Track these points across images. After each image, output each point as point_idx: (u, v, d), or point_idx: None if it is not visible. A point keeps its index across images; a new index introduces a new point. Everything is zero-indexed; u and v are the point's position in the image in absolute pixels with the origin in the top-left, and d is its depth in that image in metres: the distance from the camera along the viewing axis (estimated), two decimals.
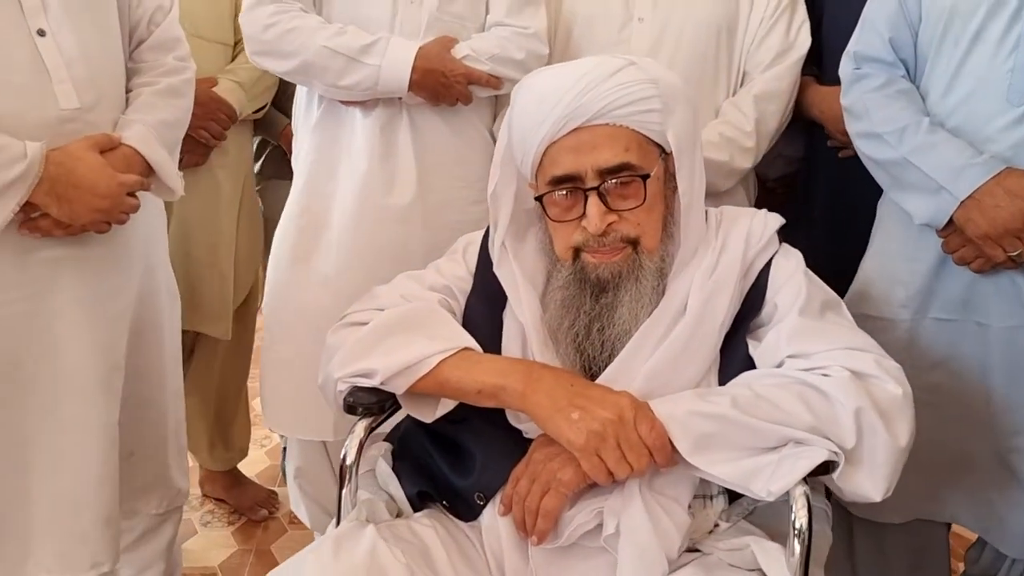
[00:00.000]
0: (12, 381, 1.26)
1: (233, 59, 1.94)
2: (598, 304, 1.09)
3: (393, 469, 1.17)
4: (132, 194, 1.29)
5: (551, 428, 1.00)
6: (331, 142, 1.61)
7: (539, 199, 1.09)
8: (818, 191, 1.75)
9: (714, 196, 1.62)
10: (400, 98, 1.53)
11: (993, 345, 1.31)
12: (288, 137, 1.91)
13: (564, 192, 1.07)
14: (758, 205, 1.85)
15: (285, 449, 2.37)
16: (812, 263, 1.42)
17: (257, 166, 2.26)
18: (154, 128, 1.33)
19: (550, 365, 1.07)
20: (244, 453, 2.28)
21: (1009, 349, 1.29)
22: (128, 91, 1.37)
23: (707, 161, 1.54)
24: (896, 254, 1.40)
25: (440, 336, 1.09)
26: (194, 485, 2.31)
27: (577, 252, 1.09)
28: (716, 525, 1.05)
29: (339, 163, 1.60)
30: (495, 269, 1.16)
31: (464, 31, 1.58)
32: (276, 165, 2.18)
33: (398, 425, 1.24)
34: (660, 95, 1.06)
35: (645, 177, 1.05)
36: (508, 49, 1.56)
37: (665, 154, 1.09)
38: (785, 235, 1.58)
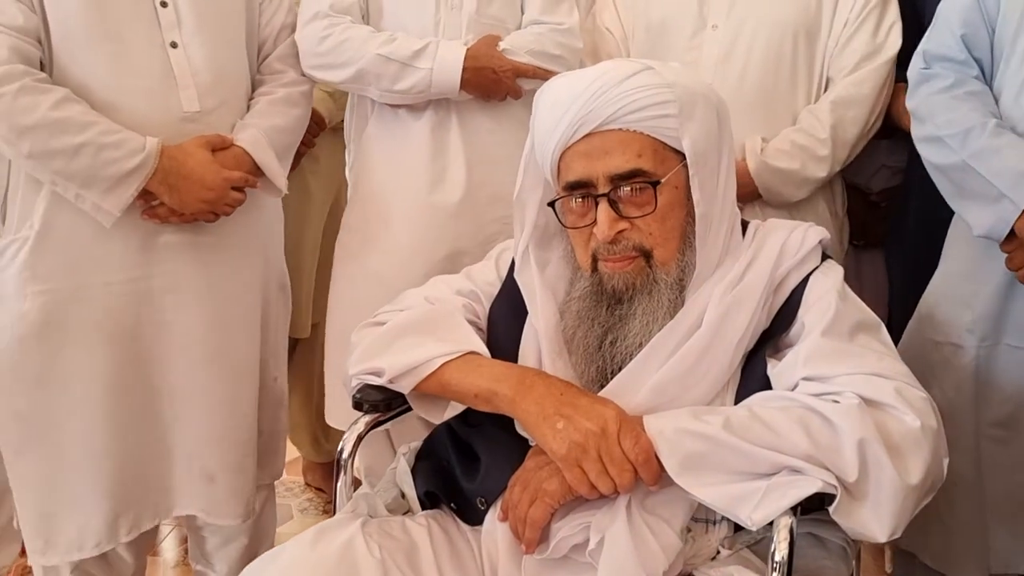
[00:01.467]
0: (136, 346, 1.46)
1: None
2: (613, 315, 1.06)
3: (413, 468, 1.19)
4: (239, 190, 1.44)
5: (537, 436, 0.99)
6: (384, 146, 1.69)
7: (551, 204, 1.08)
8: (913, 205, 1.63)
9: (788, 207, 1.56)
10: (449, 99, 1.59)
11: None
12: None
13: (578, 198, 1.05)
14: (859, 219, 1.76)
15: None
16: (902, 281, 1.33)
17: None
18: (266, 132, 1.48)
19: (547, 373, 1.06)
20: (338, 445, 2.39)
21: None
22: (251, 98, 1.54)
23: (776, 170, 1.51)
24: (962, 273, 1.31)
25: (449, 339, 1.10)
26: (296, 474, 2.45)
27: (596, 262, 1.07)
28: (718, 552, 1.00)
29: (393, 165, 1.68)
30: (516, 275, 1.16)
31: (503, 31, 1.64)
32: None
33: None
34: (677, 100, 1.02)
35: (656, 183, 1.02)
36: (545, 44, 1.61)
37: (684, 160, 1.05)
38: (883, 250, 1.49)
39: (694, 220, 1.06)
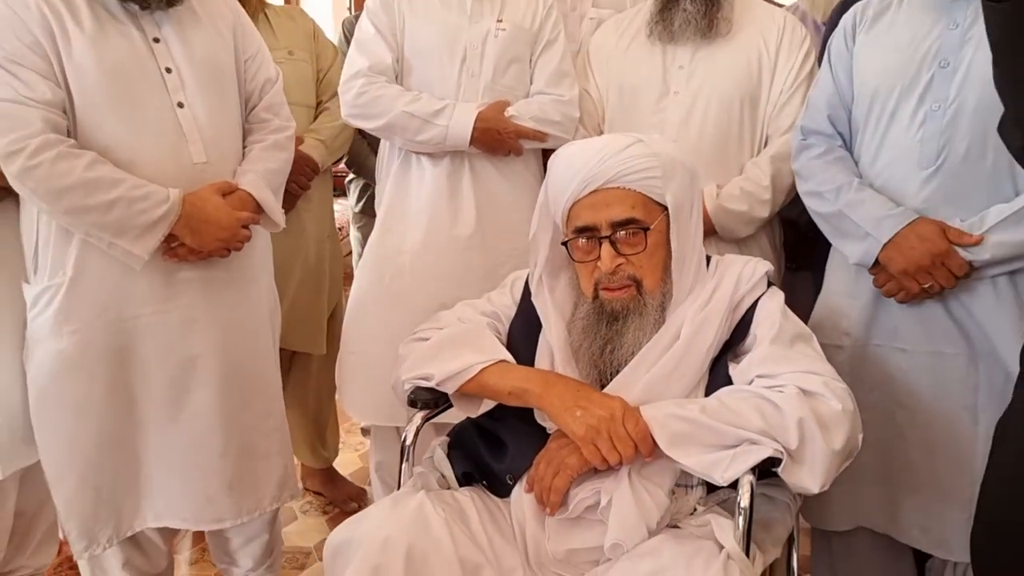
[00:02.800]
0: (161, 369, 1.62)
1: (315, 119, 2.28)
2: (610, 331, 1.36)
3: (448, 456, 1.48)
4: (246, 227, 1.63)
5: (560, 422, 1.29)
6: (407, 185, 1.97)
7: (565, 244, 1.39)
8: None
9: (738, 241, 1.89)
10: (462, 151, 1.88)
11: (927, 372, 1.54)
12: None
13: (584, 239, 1.37)
14: (791, 247, 2.09)
15: None
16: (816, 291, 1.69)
17: (360, 205, 2.65)
18: (263, 176, 1.68)
19: (564, 375, 1.36)
20: (336, 453, 2.63)
21: (938, 374, 1.52)
22: (244, 146, 1.73)
23: (728, 211, 1.83)
24: (840, 292, 1.66)
25: (483, 350, 1.40)
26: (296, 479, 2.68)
27: (597, 290, 1.37)
28: (695, 509, 1.32)
29: (413, 201, 1.96)
30: (532, 299, 1.47)
31: (513, 98, 1.92)
32: (374, 205, 2.56)
33: (455, 425, 1.55)
34: (661, 166, 1.34)
35: (646, 229, 1.34)
36: (547, 112, 1.90)
37: (666, 211, 1.37)
38: (810, 268, 1.83)
39: (670, 257, 1.38)
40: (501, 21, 1.90)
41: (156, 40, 1.58)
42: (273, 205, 1.69)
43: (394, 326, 1.82)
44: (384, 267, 1.97)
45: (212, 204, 1.58)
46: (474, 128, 1.84)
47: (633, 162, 1.33)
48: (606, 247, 1.34)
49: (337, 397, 2.25)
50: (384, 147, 2.03)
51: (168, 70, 1.59)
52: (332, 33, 3.01)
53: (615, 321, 1.36)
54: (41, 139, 1.45)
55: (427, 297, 1.85)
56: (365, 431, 2.90)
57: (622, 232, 1.34)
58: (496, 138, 1.87)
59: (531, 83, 1.95)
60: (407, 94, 1.87)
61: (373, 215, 2.53)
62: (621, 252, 1.34)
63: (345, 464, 2.75)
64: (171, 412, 1.65)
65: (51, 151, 1.46)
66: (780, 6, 2.54)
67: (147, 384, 1.62)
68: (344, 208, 3.19)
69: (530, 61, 1.95)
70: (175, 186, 1.55)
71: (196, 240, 1.57)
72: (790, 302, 2.10)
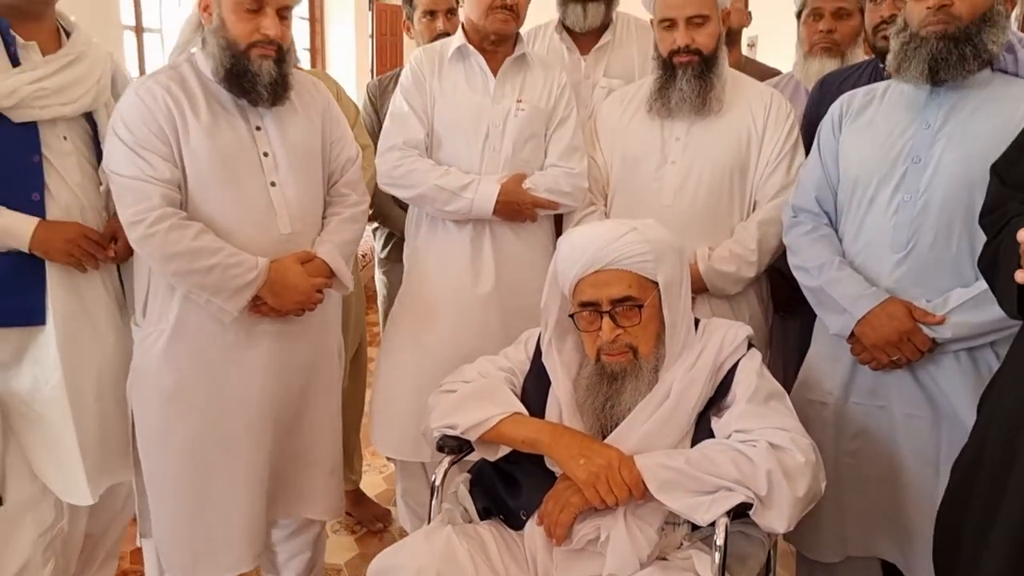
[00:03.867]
0: (246, 405, 1.90)
1: None
2: (610, 389, 1.59)
3: (469, 492, 1.71)
4: (320, 290, 1.90)
5: (566, 468, 1.52)
6: (434, 245, 2.20)
7: (572, 315, 1.63)
8: None
9: (728, 297, 2.11)
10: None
11: (898, 427, 1.76)
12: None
13: (588, 312, 1.60)
14: (780, 295, 2.29)
15: None
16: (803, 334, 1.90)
17: (385, 252, 2.88)
18: (338, 246, 1.94)
19: (571, 428, 1.59)
20: (361, 476, 2.86)
21: (907, 431, 1.74)
22: (324, 215, 2.00)
23: (719, 272, 2.05)
24: (824, 355, 1.87)
25: (501, 404, 1.63)
26: None
27: (599, 355, 1.60)
28: (681, 544, 1.55)
29: (439, 261, 2.19)
30: (543, 359, 1.70)
31: (530, 170, 2.14)
32: (400, 252, 2.78)
33: (475, 463, 1.79)
34: (653, 251, 1.57)
35: (641, 306, 1.57)
36: (560, 184, 2.12)
37: (659, 288, 1.60)
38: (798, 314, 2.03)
39: (664, 326, 1.61)
40: (521, 102, 2.12)
41: (258, 128, 1.86)
42: (345, 272, 1.95)
43: (422, 373, 2.07)
44: (413, 321, 2.20)
45: (293, 272, 1.84)
46: (496, 201, 2.07)
47: (629, 248, 1.57)
48: (607, 320, 1.57)
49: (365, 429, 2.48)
50: (414, 208, 2.26)
51: (265, 154, 1.86)
52: (354, 93, 3.26)
53: (614, 381, 1.59)
54: (159, 212, 1.73)
55: (451, 348, 2.08)
56: (389, 458, 3.13)
57: (620, 307, 1.57)
58: (515, 209, 2.10)
59: (546, 156, 2.17)
60: (437, 168, 2.10)
61: (398, 260, 2.77)
62: (619, 324, 1.57)
63: (370, 486, 2.98)
64: (257, 439, 1.93)
65: (166, 222, 1.73)
66: (777, 73, 2.77)
67: (234, 418, 1.90)
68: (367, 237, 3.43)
69: (545, 135, 2.17)
70: (265, 254, 1.82)
71: (277, 302, 1.84)
72: (782, 348, 2.35)
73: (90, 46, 1.92)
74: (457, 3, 2.83)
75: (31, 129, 1.80)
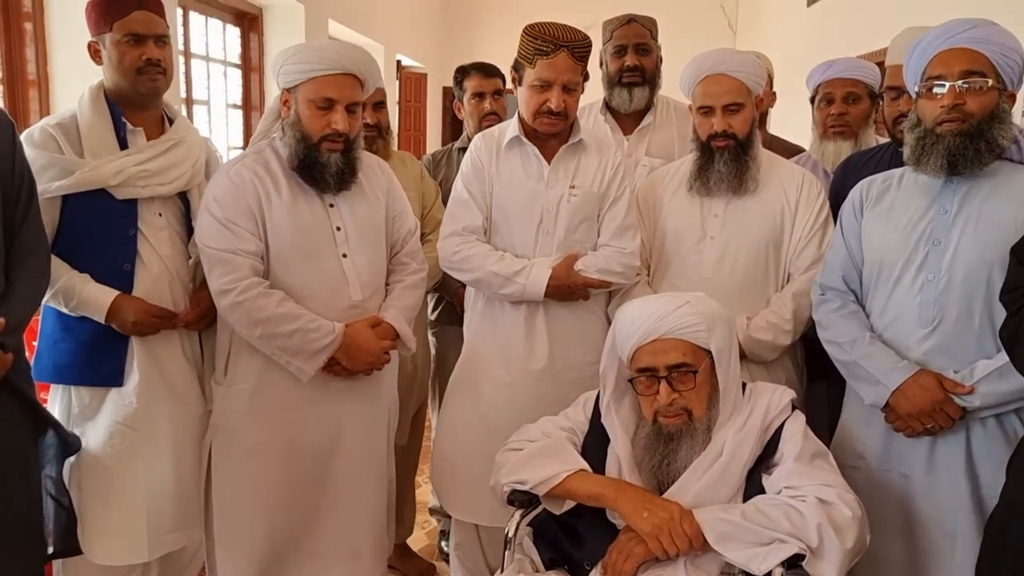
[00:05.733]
0: (316, 456, 2.08)
1: None
2: (667, 448, 1.74)
3: (533, 543, 1.85)
4: (386, 352, 2.08)
5: (630, 520, 1.66)
6: (491, 322, 2.34)
7: (631, 380, 1.78)
8: None
9: (764, 363, 2.26)
10: None
11: (920, 491, 1.88)
12: (460, 296, 2.67)
13: (645, 377, 1.75)
14: (811, 361, 2.44)
15: (442, 532, 3.09)
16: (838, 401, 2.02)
17: (435, 314, 3.05)
18: (402, 311, 2.14)
19: (631, 483, 1.74)
20: (411, 531, 2.99)
21: (928, 494, 1.87)
22: (387, 284, 2.18)
23: (756, 341, 2.20)
24: (857, 421, 2.01)
25: (566, 461, 1.78)
26: None
27: (656, 416, 1.75)
28: None
29: (496, 337, 2.33)
30: (602, 420, 1.85)
31: (583, 250, 2.27)
32: (449, 314, 2.95)
33: (535, 516, 1.92)
34: (705, 321, 1.74)
35: (695, 372, 1.73)
36: (611, 264, 2.24)
37: (710, 353, 1.76)
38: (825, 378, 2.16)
39: (716, 390, 1.77)
40: (574, 187, 2.26)
41: (331, 205, 2.07)
42: (409, 335, 2.14)
43: (480, 441, 2.21)
44: (471, 391, 2.34)
45: (364, 336, 2.04)
46: (548, 285, 2.18)
47: (684, 319, 1.73)
48: (663, 385, 1.72)
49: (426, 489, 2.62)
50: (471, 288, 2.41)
51: (338, 228, 2.07)
52: None
53: (671, 441, 1.74)
54: (247, 281, 1.93)
55: (508, 418, 2.19)
56: (432, 511, 3.25)
57: (676, 373, 1.73)
58: (567, 291, 2.22)
59: (599, 235, 2.28)
60: (493, 254, 2.23)
61: (447, 323, 2.95)
62: (675, 388, 1.73)
63: (414, 541, 3.09)
64: (326, 490, 2.09)
65: (253, 291, 1.93)
66: (800, 149, 2.96)
67: (308, 471, 2.06)
68: None
69: (598, 216, 2.28)
70: (337, 319, 2.02)
71: (350, 363, 2.03)
72: (809, 408, 2.49)
73: (189, 132, 2.15)
74: (504, 84, 3.05)
75: (131, 205, 2.02)
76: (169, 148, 2.07)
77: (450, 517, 2.62)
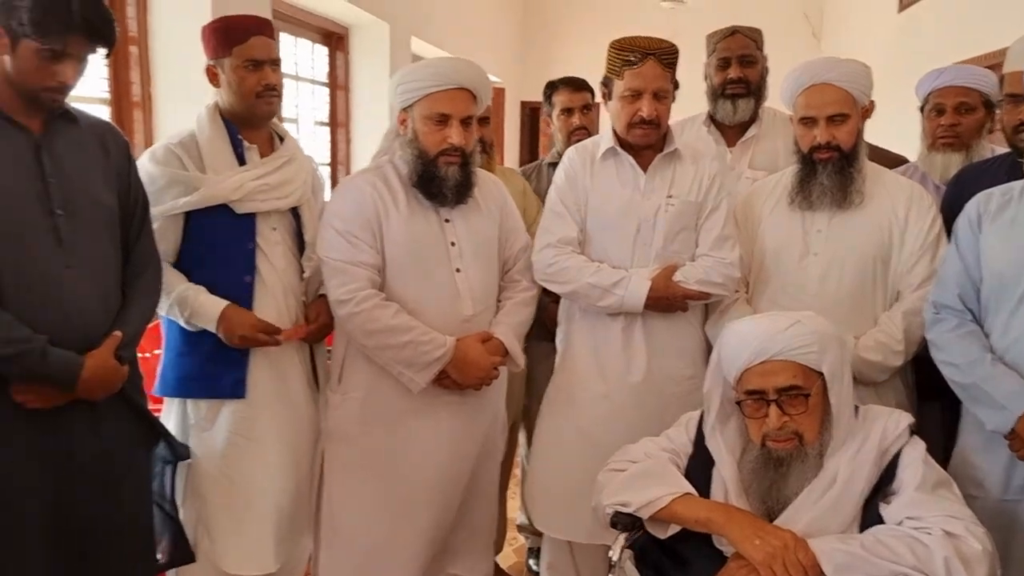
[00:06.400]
0: (427, 466, 2.10)
1: None
2: (776, 473, 1.68)
3: (636, 567, 1.80)
4: (496, 367, 2.09)
5: (741, 548, 1.60)
6: (587, 335, 2.31)
7: (738, 403, 1.73)
8: None
9: (873, 385, 2.16)
10: None
11: None
12: (551, 312, 2.64)
13: (753, 400, 1.70)
14: (923, 380, 2.32)
15: (530, 549, 3.07)
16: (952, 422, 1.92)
17: None
18: (512, 328, 2.16)
19: (740, 508, 1.68)
20: (500, 548, 2.97)
21: None
22: (498, 300, 2.20)
23: (865, 361, 2.11)
24: (977, 448, 1.90)
25: (671, 483, 1.73)
26: None
27: (765, 441, 1.68)
28: None
29: (592, 350, 2.29)
30: (707, 442, 1.80)
31: (681, 260, 2.22)
32: (538, 329, 2.91)
33: (636, 540, 1.88)
34: (817, 342, 1.67)
35: (807, 395, 1.66)
36: (711, 275, 2.19)
37: (822, 375, 1.69)
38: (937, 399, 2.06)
39: (828, 413, 1.70)
40: (671, 196, 2.23)
41: (447, 220, 2.11)
42: (518, 351, 2.16)
43: (577, 456, 2.19)
44: (567, 406, 2.32)
45: (475, 351, 2.07)
46: (647, 296, 2.15)
47: (794, 340, 1.67)
48: (773, 408, 1.66)
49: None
50: (565, 301, 2.38)
51: (453, 243, 2.11)
52: None
53: (780, 466, 1.68)
54: (365, 292, 1.99)
55: (606, 433, 2.17)
56: (520, 527, 3.23)
57: (786, 396, 1.66)
58: (666, 303, 2.18)
59: (697, 245, 2.24)
60: (590, 265, 2.21)
61: (537, 338, 2.86)
62: (786, 412, 1.66)
63: (502, 558, 3.07)
64: (432, 501, 2.12)
65: (370, 302, 1.99)
66: (902, 159, 2.85)
67: (415, 480, 2.09)
68: None
69: (696, 227, 2.24)
70: (449, 332, 2.05)
71: (460, 376, 2.06)
72: (921, 431, 2.37)
73: (297, 150, 2.21)
74: (593, 98, 3.03)
75: (250, 220, 2.08)
76: (282, 164, 2.14)
77: (539, 535, 2.60)
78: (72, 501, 1.69)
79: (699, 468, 1.80)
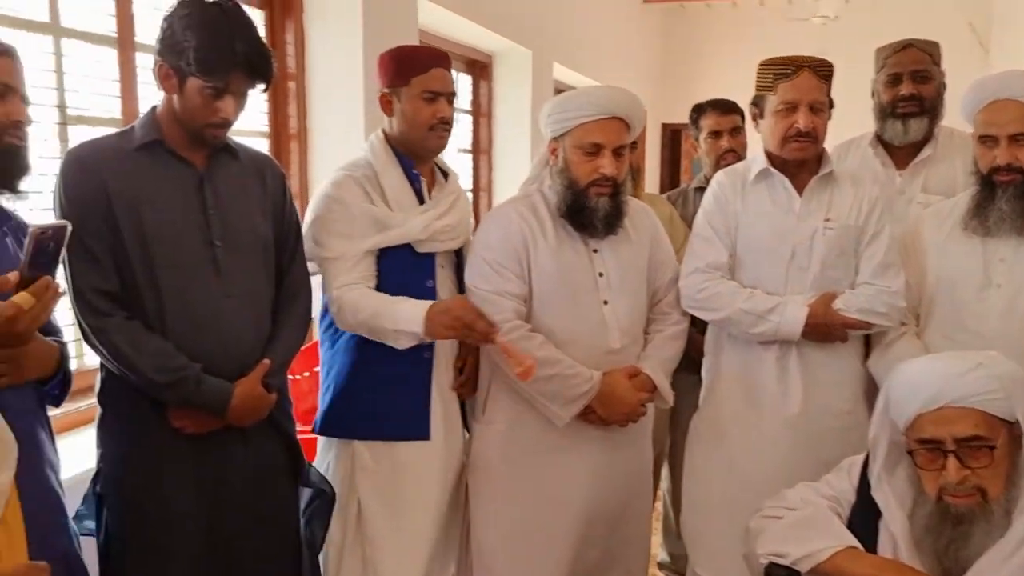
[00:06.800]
0: (565, 497, 2.05)
1: None
2: (955, 531, 1.51)
3: None
4: (643, 404, 2.02)
5: None
6: (737, 365, 2.20)
7: (910, 452, 1.58)
8: None
9: None
10: None
11: None
12: (698, 343, 2.53)
13: (928, 450, 1.54)
14: None
15: None
16: None
17: None
18: (661, 363, 2.09)
19: (913, 567, 1.52)
20: None
21: None
22: (646, 332, 2.13)
23: None
24: None
25: (833, 535, 1.60)
26: None
27: (941, 495, 1.52)
28: None
29: (743, 380, 2.18)
30: (872, 492, 1.65)
31: (839, 288, 2.08)
32: (684, 360, 2.82)
33: None
34: (1003, 387, 1.50)
35: (992, 446, 1.49)
36: (874, 304, 2.05)
37: (1009, 424, 1.52)
38: None
39: (1017, 467, 1.52)
40: (829, 220, 2.09)
41: (595, 250, 2.06)
42: (666, 387, 2.08)
43: (731, 494, 2.09)
44: (716, 439, 2.22)
45: (622, 386, 2.01)
46: (805, 324, 2.03)
47: (977, 385, 1.51)
48: (952, 460, 1.50)
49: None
50: (713, 326, 2.28)
51: (601, 274, 2.06)
52: None
53: (960, 524, 1.51)
54: (511, 324, 1.96)
55: (759, 469, 2.07)
56: (661, 565, 3.12)
57: (967, 447, 1.50)
58: (825, 331, 2.06)
59: (857, 273, 2.10)
60: (743, 291, 2.11)
61: (681, 369, 2.71)
62: (966, 464, 1.50)
63: None
64: (574, 536, 2.06)
65: (516, 333, 1.95)
66: None
67: (555, 514, 2.04)
68: None
69: (855, 252, 2.11)
70: (594, 366, 1.99)
71: (605, 412, 2.00)
72: None
73: (460, 186, 2.21)
74: (742, 121, 2.92)
75: (430, 259, 2.06)
76: (453, 203, 2.12)
77: (680, 574, 2.49)
78: (222, 527, 1.74)
79: (863, 519, 1.66)
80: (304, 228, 1.99)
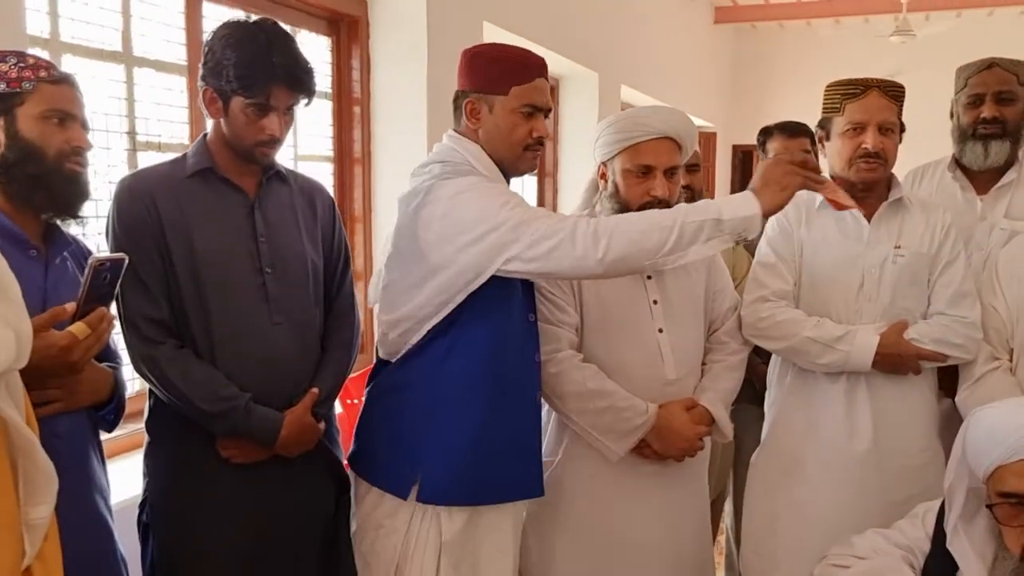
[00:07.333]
0: (633, 545, 1.97)
1: None
2: None
3: None
4: (700, 438, 1.93)
5: None
6: (802, 397, 2.09)
7: (990, 506, 1.46)
8: None
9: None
10: None
11: None
12: (761, 373, 2.44)
13: (1010, 505, 1.42)
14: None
15: None
16: None
17: None
18: (720, 394, 1.98)
19: None
20: None
21: None
22: (703, 363, 2.04)
23: None
24: None
25: None
26: None
27: None
28: None
29: (809, 413, 2.07)
30: (948, 545, 1.53)
31: (911, 318, 1.97)
32: (746, 392, 2.69)
33: None
34: None
35: None
36: (948, 335, 1.93)
37: None
38: None
39: None
40: (899, 248, 1.99)
41: (649, 277, 1.98)
42: (725, 421, 1.98)
43: (795, 534, 1.98)
44: (780, 476, 2.11)
45: (679, 420, 1.92)
46: (876, 353, 1.92)
47: None
48: None
49: None
50: (776, 357, 2.18)
51: (655, 302, 1.97)
52: None
53: None
54: (564, 354, 1.90)
55: (826, 509, 1.96)
56: None
57: None
58: (897, 362, 1.95)
59: (929, 304, 2.01)
60: (809, 319, 2.00)
61: (744, 401, 2.63)
62: None
63: None
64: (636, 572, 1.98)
65: (568, 363, 1.89)
66: None
67: (612, 555, 1.96)
68: None
69: (928, 282, 2.01)
70: (650, 398, 1.91)
71: (661, 447, 1.91)
72: None
73: None
74: (812, 144, 2.81)
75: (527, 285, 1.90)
76: None
77: None
78: (265, 556, 1.72)
79: (938, 571, 1.55)
80: (461, 231, 1.68)
